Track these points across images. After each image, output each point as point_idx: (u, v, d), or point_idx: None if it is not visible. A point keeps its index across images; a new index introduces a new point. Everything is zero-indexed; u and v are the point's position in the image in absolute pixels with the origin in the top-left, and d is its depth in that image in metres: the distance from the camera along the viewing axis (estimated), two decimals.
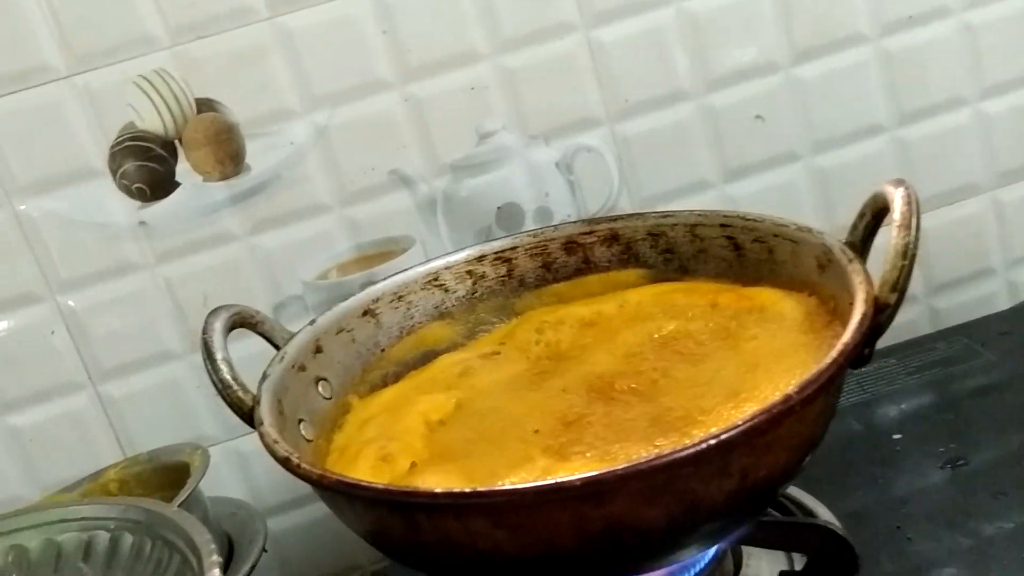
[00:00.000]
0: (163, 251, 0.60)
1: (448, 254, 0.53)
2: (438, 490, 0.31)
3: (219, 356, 0.40)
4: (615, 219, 0.52)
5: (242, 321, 0.43)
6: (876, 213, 0.39)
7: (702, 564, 0.41)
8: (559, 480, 0.30)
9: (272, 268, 0.61)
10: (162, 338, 0.61)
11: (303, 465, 0.34)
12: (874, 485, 0.47)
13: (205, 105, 0.59)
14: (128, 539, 0.41)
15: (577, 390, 0.41)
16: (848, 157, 0.64)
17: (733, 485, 0.32)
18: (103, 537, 0.43)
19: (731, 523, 0.35)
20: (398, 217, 0.62)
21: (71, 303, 0.60)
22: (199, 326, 0.59)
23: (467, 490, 0.30)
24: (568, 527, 0.31)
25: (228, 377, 0.40)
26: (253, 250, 0.61)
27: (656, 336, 0.45)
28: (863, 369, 0.36)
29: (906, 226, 0.35)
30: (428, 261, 0.53)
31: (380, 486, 0.33)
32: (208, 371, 0.41)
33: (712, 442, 0.30)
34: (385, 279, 0.51)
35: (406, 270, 0.52)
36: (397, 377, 0.50)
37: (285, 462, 0.35)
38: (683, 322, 0.45)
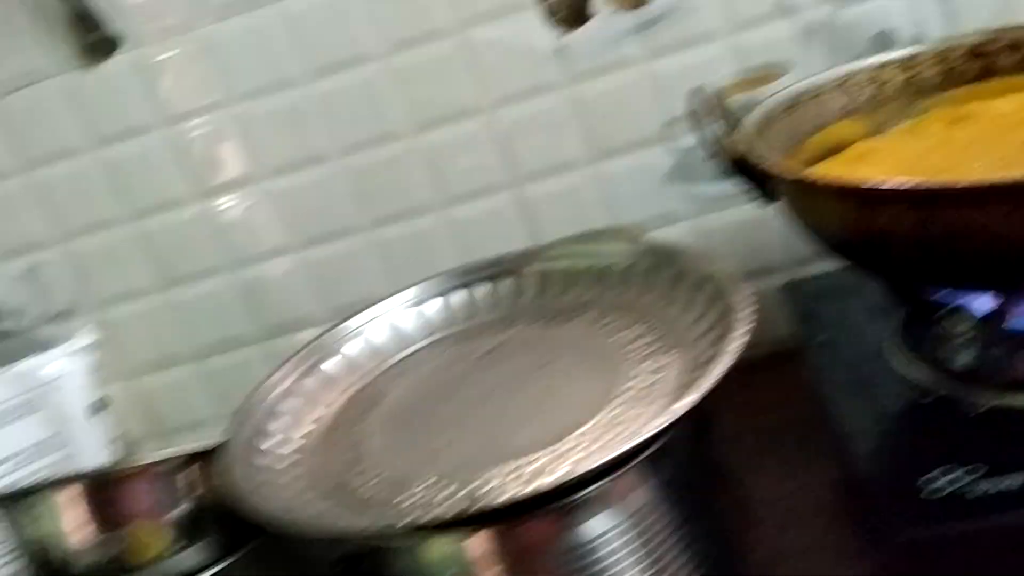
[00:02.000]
0: (576, 74, 0.70)
1: (855, 61, 0.61)
2: (970, 182, 0.39)
3: (706, 121, 0.50)
4: (1020, 27, 0.58)
5: (716, 98, 0.53)
6: None
7: None
8: None
9: (663, 92, 0.70)
10: (567, 149, 0.72)
11: (824, 178, 0.43)
12: None
13: None
14: (640, 264, 0.51)
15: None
16: None
17: None
18: (617, 266, 0.53)
19: None
20: (779, 44, 0.69)
21: (501, 118, 0.72)
22: (603, 139, 0.71)
23: (998, 179, 0.38)
24: None
25: (719, 133, 0.50)
26: (648, 74, 0.70)
27: None
28: None
29: None
30: (836, 67, 0.61)
31: (913, 181, 0.41)
32: (699, 132, 0.50)
33: None
34: (800, 80, 0.60)
35: (818, 74, 0.60)
36: (812, 163, 0.58)
37: (802, 181, 0.44)
38: None
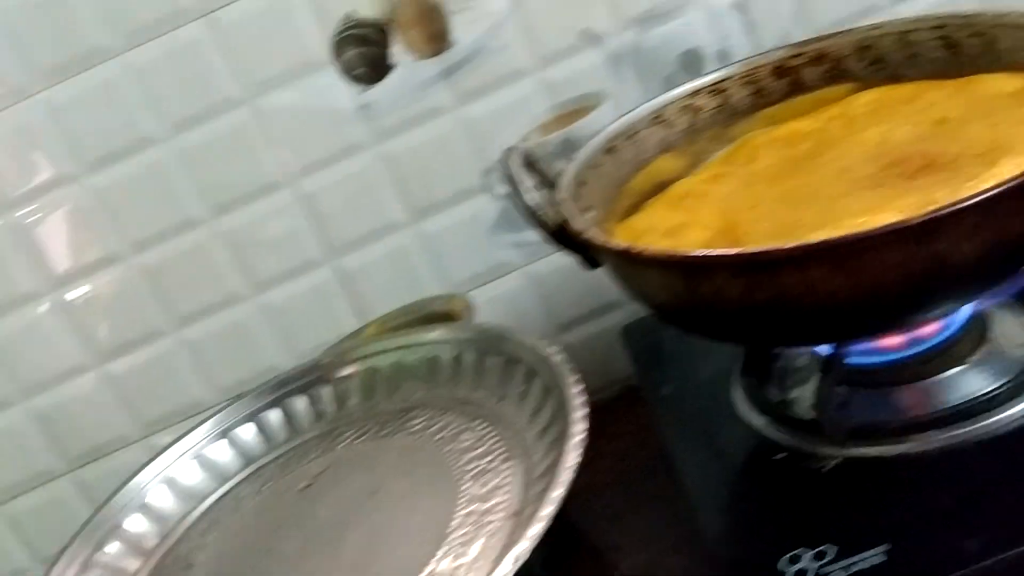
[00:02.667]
0: (383, 130, 0.65)
1: (666, 92, 0.58)
2: (788, 245, 0.36)
3: (525, 185, 0.46)
4: (821, 39, 0.56)
5: (526, 158, 0.49)
6: None
7: (963, 320, 0.47)
8: (901, 220, 0.35)
9: (479, 136, 0.66)
10: (386, 211, 0.67)
11: (647, 250, 0.40)
12: None
13: None
14: (467, 356, 0.48)
15: (846, 168, 0.46)
16: None
17: None
18: (446, 357, 0.49)
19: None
20: (590, 74, 0.66)
21: (306, 187, 0.66)
22: (419, 196, 0.66)
23: (813, 241, 0.36)
24: (897, 267, 0.36)
25: (534, 203, 0.46)
26: (462, 120, 0.66)
27: (890, 132, 0.50)
28: None
29: None
30: (650, 100, 0.58)
31: (732, 252, 0.38)
32: (517, 199, 0.46)
33: None
34: (616, 120, 0.56)
35: (632, 111, 0.57)
36: (637, 207, 0.55)
37: (626, 252, 0.40)
38: (915, 112, 0.49)
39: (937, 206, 0.35)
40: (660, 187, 0.56)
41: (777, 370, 0.51)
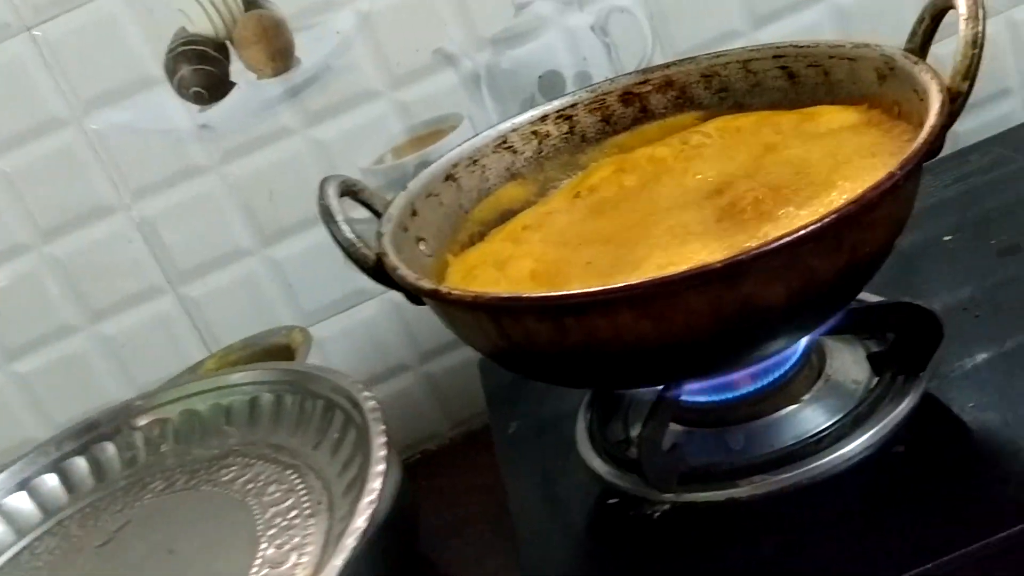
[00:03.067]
0: (226, 151, 0.62)
1: (512, 117, 0.56)
2: (592, 288, 0.34)
3: (340, 218, 0.43)
4: (668, 66, 0.55)
5: (347, 189, 0.46)
6: (936, 15, 0.42)
7: (794, 358, 0.46)
8: (703, 264, 0.33)
9: (330, 158, 0.64)
10: (233, 236, 0.64)
11: (454, 292, 0.37)
12: (934, 279, 0.51)
13: (252, 3, 0.60)
14: (266, 398, 0.45)
15: (678, 203, 0.44)
16: None
17: (843, 261, 0.36)
18: (240, 400, 0.47)
19: (837, 299, 0.39)
20: (445, 95, 0.64)
21: (144, 211, 0.62)
22: (267, 220, 0.63)
23: (618, 284, 0.34)
24: (706, 310, 0.35)
25: (352, 236, 0.43)
26: (311, 142, 0.63)
27: (728, 164, 0.48)
28: None
29: (974, 17, 0.38)
30: (495, 126, 0.56)
31: (534, 295, 0.36)
32: (332, 233, 0.44)
33: (833, 217, 0.34)
34: (459, 146, 0.54)
35: (475, 136, 0.55)
36: (481, 236, 0.53)
37: (434, 293, 0.38)
38: (751, 146, 0.48)
39: (740, 250, 0.34)
40: (506, 216, 0.54)
41: (623, 407, 0.50)
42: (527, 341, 0.37)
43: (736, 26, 0.66)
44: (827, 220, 0.34)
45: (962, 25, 0.38)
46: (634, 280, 0.34)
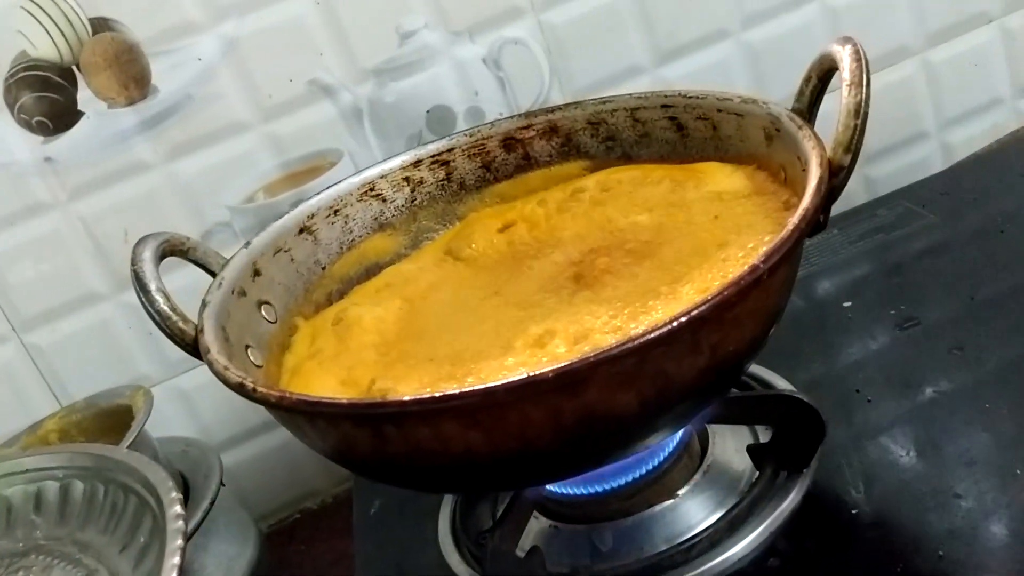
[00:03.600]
0: (74, 187, 0.56)
1: (382, 162, 0.51)
2: (406, 397, 0.30)
3: (153, 287, 0.38)
4: (552, 110, 0.50)
5: (172, 249, 0.41)
6: (823, 75, 0.38)
7: (671, 448, 0.41)
8: (532, 374, 0.29)
9: (194, 195, 0.58)
10: (84, 279, 0.58)
11: (259, 389, 0.32)
12: (829, 353, 0.47)
13: (101, 25, 0.54)
14: (79, 486, 0.40)
15: (535, 283, 0.40)
16: (778, 30, 0.62)
17: (704, 362, 0.31)
18: (52, 487, 0.41)
19: (701, 401, 0.34)
20: (323, 130, 0.59)
21: None
22: (123, 263, 0.57)
23: (436, 394, 0.29)
24: (542, 421, 0.30)
25: (166, 308, 0.38)
26: (172, 177, 0.57)
27: (603, 227, 0.44)
28: (807, 241, 0.36)
29: (857, 83, 0.34)
30: (361, 171, 0.50)
31: (344, 400, 0.31)
32: (143, 304, 0.38)
33: (683, 319, 0.29)
34: (318, 194, 0.49)
35: (339, 183, 0.50)
36: (341, 295, 0.48)
37: (240, 388, 0.33)
38: (629, 206, 0.44)
39: (578, 356, 0.29)
40: (372, 270, 0.49)
41: (477, 525, 0.45)
42: (347, 447, 0.32)
43: (639, 61, 0.61)
44: (676, 322, 0.29)
45: (844, 92, 0.34)
46: (454, 389, 0.29)
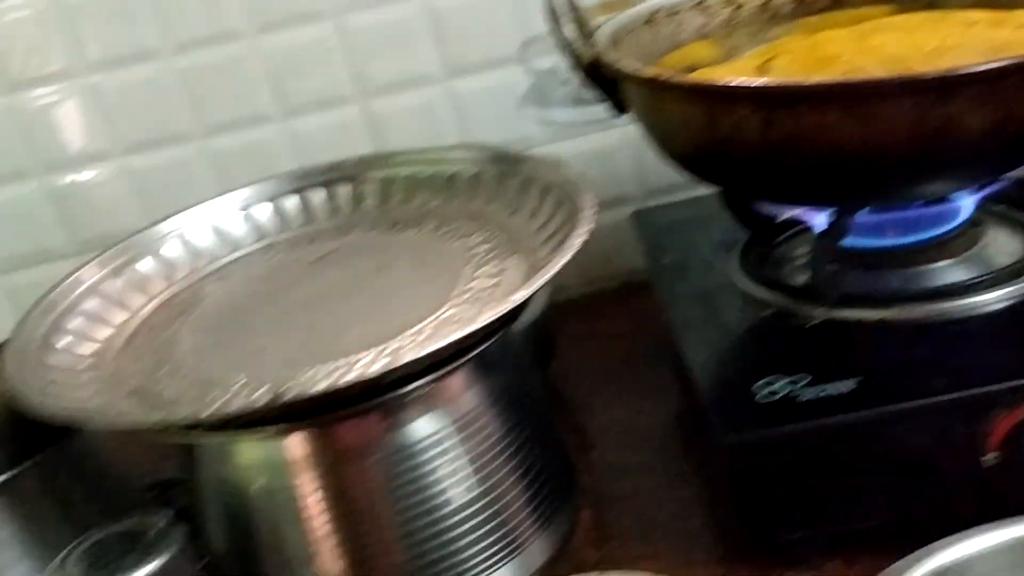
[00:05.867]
0: None
1: None
2: (811, 81, 0.38)
3: (566, 18, 0.48)
4: None
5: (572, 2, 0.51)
6: None
7: (959, 218, 0.49)
8: (920, 73, 0.37)
9: (523, 6, 0.67)
10: (417, 63, 0.68)
11: (673, 78, 0.42)
12: None
13: None
14: (490, 173, 0.49)
15: None
16: None
17: None
18: (467, 172, 0.50)
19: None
20: None
21: (350, 24, 0.67)
22: (455, 56, 0.67)
23: (835, 80, 0.38)
24: (908, 121, 0.39)
25: (572, 36, 0.48)
26: None
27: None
28: None
29: None
30: None
31: (752, 83, 0.40)
32: (554, 30, 0.48)
33: None
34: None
35: None
36: None
37: (654, 80, 0.42)
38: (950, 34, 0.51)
39: (953, 67, 0.38)
40: (689, 70, 0.58)
41: (777, 254, 0.53)
42: (734, 133, 0.42)
43: None
44: None
45: None
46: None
